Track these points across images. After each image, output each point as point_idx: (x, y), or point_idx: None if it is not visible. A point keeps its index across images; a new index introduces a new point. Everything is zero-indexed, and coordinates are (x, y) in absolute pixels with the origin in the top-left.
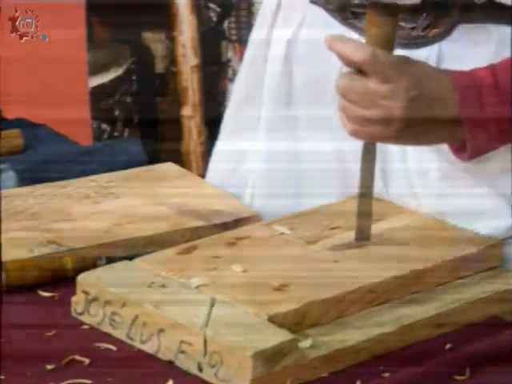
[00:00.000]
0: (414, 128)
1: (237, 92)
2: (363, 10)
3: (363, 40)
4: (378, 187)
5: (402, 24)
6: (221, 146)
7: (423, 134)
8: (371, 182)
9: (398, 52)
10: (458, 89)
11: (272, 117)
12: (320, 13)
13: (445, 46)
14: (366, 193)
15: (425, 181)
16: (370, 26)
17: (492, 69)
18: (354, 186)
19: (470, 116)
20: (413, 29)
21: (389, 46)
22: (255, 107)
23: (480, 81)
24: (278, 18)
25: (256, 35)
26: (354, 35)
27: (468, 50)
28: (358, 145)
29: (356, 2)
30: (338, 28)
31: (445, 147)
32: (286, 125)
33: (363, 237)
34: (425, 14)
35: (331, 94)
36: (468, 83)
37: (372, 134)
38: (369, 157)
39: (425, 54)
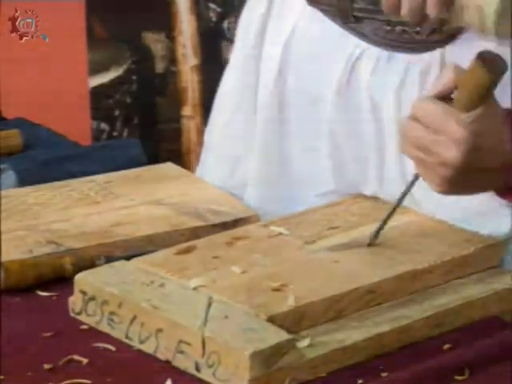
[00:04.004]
0: (466, 181)
1: (227, 100)
2: (365, 15)
3: (362, 44)
4: (375, 189)
5: (406, 28)
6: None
7: (475, 185)
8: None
9: (401, 56)
10: None
11: (268, 119)
12: (318, 14)
13: (447, 50)
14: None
15: (422, 184)
16: (471, 75)
17: None
18: (348, 186)
19: None
20: (417, 33)
21: (478, 99)
22: (249, 114)
23: None
24: (270, 21)
25: (243, 40)
26: (354, 39)
27: (470, 54)
28: (355, 144)
29: (359, 6)
30: (334, 31)
31: None
32: (281, 127)
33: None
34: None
35: (330, 97)
36: None
37: (423, 174)
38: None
39: (428, 59)
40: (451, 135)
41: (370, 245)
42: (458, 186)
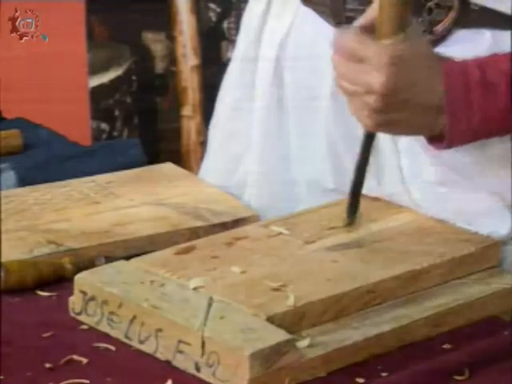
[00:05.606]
0: (394, 112)
1: (227, 96)
2: (357, 15)
3: None
4: (374, 189)
5: None
6: (213, 158)
7: (404, 120)
8: (365, 172)
9: None
10: (447, 77)
11: (265, 119)
12: (311, 14)
13: (440, 49)
14: (358, 181)
15: (422, 185)
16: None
17: (480, 62)
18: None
19: (454, 104)
20: None
21: (394, 23)
22: (247, 112)
23: (468, 73)
24: (267, 19)
25: (244, 37)
26: None
27: (461, 54)
28: (352, 144)
29: (351, 6)
30: (327, 31)
31: (440, 152)
32: (279, 127)
33: (352, 217)
34: (420, 20)
35: (326, 96)
36: (457, 72)
37: (353, 107)
38: (366, 147)
39: None
40: (372, 60)
41: (347, 225)
42: (386, 119)
